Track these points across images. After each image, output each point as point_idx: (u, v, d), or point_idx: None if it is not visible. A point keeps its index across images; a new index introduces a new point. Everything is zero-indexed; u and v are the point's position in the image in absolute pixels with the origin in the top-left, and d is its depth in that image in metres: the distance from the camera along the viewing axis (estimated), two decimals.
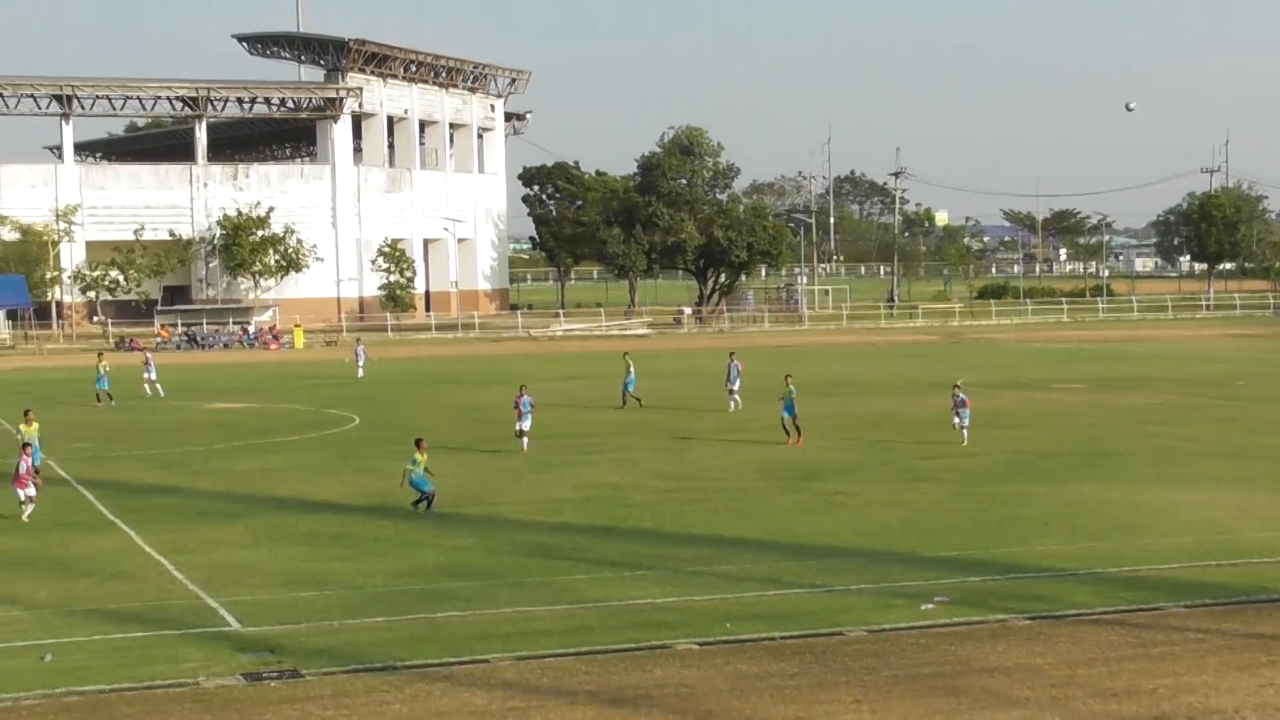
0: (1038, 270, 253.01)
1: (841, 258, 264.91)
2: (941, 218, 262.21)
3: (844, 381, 72.26)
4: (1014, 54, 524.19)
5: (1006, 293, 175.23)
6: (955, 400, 46.48)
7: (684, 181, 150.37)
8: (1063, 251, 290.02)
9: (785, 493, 37.77)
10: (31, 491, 34.57)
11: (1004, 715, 19.16)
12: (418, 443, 35.78)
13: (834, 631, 23.39)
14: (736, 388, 57.69)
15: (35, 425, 39.92)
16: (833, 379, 73.28)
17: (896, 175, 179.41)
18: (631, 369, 60.56)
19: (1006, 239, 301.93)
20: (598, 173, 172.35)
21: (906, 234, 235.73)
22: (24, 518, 34.16)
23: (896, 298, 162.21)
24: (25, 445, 36.08)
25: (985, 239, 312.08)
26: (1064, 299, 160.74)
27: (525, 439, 46.07)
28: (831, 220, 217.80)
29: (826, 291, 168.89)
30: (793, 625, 23.75)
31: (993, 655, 21.99)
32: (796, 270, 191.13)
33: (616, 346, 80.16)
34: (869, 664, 21.54)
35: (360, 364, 79.40)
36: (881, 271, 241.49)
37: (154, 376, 68.60)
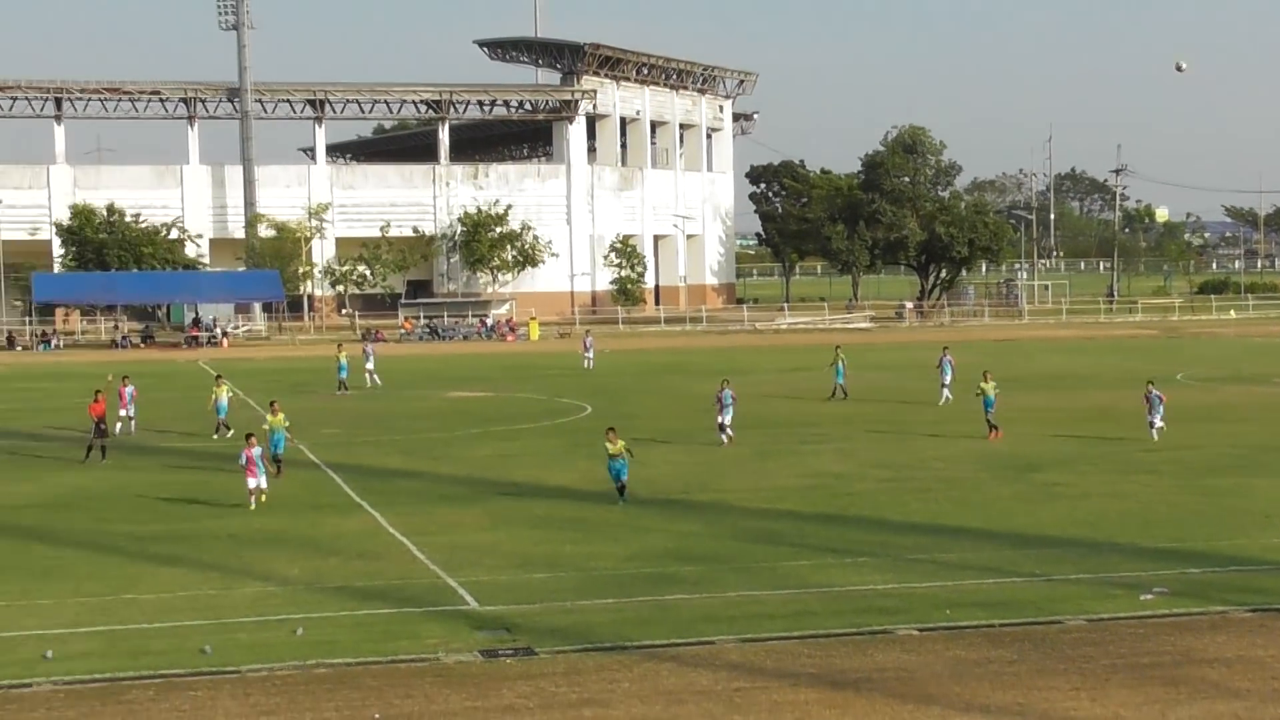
0: (1259, 266, 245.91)
1: (1061, 253, 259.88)
2: (1162, 214, 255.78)
3: (1063, 375, 71.66)
4: (1235, 50, 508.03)
5: (1227, 288, 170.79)
6: (1150, 398, 45.75)
7: (907, 179, 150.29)
8: None
9: (1004, 483, 37.92)
10: (263, 482, 35.41)
11: (1224, 706, 19.27)
12: (608, 431, 36.31)
13: (1053, 620, 23.65)
14: (948, 381, 57.70)
15: (281, 415, 41.01)
16: (1052, 372, 72.79)
17: (1117, 172, 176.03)
18: (842, 361, 60.96)
19: (1228, 235, 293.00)
20: (822, 171, 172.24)
21: (1126, 230, 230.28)
22: (251, 506, 34.99)
23: (1116, 293, 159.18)
24: (249, 436, 36.21)
25: (1206, 235, 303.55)
26: None
27: (727, 432, 46.26)
28: (1052, 216, 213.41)
29: (1046, 286, 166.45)
30: (1012, 613, 24.05)
31: (1213, 646, 22.06)
32: (1017, 266, 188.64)
33: (839, 340, 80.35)
34: (1087, 652, 21.78)
35: (589, 355, 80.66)
36: (1101, 267, 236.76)
37: (371, 366, 70.16)
